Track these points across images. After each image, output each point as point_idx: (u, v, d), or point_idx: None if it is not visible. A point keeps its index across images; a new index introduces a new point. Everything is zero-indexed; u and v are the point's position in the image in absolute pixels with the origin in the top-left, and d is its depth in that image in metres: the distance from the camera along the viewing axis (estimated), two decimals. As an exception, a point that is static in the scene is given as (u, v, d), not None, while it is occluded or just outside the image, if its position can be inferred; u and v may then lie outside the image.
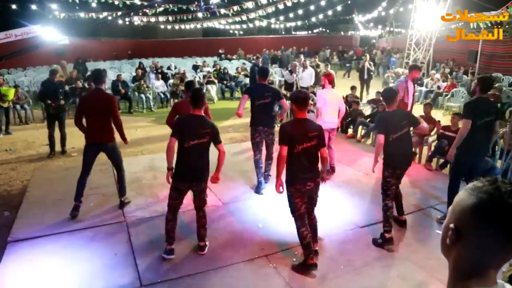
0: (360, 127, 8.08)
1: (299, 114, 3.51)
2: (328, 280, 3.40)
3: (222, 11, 18.07)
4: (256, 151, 5.21)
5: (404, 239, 4.08)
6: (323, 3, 17.31)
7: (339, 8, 20.28)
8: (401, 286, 3.33)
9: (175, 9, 19.42)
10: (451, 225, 0.91)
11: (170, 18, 19.97)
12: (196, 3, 14.71)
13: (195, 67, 16.62)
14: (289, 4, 15.17)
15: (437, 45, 15.14)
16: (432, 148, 6.38)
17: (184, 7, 18.94)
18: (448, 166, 5.55)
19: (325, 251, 3.82)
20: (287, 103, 5.91)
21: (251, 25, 24.23)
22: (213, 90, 13.18)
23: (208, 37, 29.57)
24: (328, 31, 34.21)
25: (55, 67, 11.86)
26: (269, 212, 4.61)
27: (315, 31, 32.50)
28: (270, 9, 16.73)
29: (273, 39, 28.96)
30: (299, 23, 25.18)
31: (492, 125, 4.27)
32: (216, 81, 13.62)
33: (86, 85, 10.74)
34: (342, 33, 32.84)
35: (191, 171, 3.67)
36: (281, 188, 3.55)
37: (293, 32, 32.76)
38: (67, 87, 8.48)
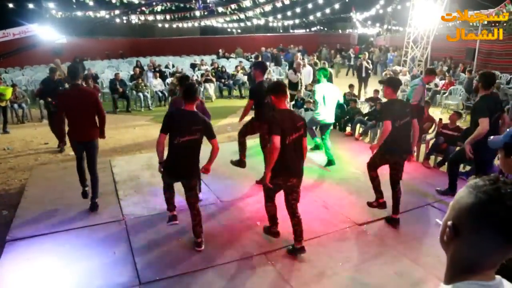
0: (358, 125, 8.08)
1: (280, 104, 3.48)
2: (326, 277, 3.41)
3: (220, 9, 18.03)
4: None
5: (401, 237, 4.10)
6: (320, 1, 17.27)
7: (337, 6, 20.23)
8: (398, 283, 3.35)
9: (173, 8, 19.40)
10: (449, 223, 0.92)
11: (168, 17, 19.91)
12: (193, 1, 14.70)
13: (193, 66, 16.59)
14: (287, 2, 15.15)
15: (435, 43, 15.17)
16: (430, 146, 6.40)
17: (182, 5, 18.92)
18: (446, 164, 5.56)
19: (323, 249, 3.83)
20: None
21: (249, 23, 24.19)
22: (211, 88, 13.17)
23: (206, 35, 29.50)
24: (326, 29, 34.14)
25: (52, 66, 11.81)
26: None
27: (313, 29, 32.42)
28: (268, 7, 16.72)
29: (270, 37, 28.94)
30: (297, 21, 25.13)
31: (499, 118, 4.43)
32: (214, 79, 13.60)
33: (83, 83, 10.70)
34: (340, 31, 32.76)
35: (179, 169, 3.61)
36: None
37: (291, 31, 32.69)
38: (66, 85, 8.46)
